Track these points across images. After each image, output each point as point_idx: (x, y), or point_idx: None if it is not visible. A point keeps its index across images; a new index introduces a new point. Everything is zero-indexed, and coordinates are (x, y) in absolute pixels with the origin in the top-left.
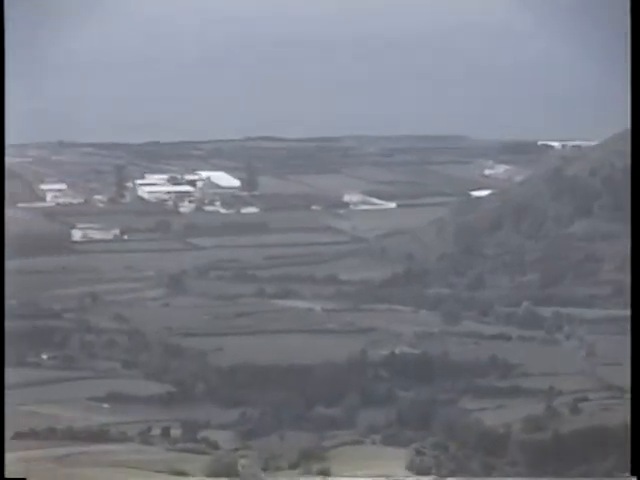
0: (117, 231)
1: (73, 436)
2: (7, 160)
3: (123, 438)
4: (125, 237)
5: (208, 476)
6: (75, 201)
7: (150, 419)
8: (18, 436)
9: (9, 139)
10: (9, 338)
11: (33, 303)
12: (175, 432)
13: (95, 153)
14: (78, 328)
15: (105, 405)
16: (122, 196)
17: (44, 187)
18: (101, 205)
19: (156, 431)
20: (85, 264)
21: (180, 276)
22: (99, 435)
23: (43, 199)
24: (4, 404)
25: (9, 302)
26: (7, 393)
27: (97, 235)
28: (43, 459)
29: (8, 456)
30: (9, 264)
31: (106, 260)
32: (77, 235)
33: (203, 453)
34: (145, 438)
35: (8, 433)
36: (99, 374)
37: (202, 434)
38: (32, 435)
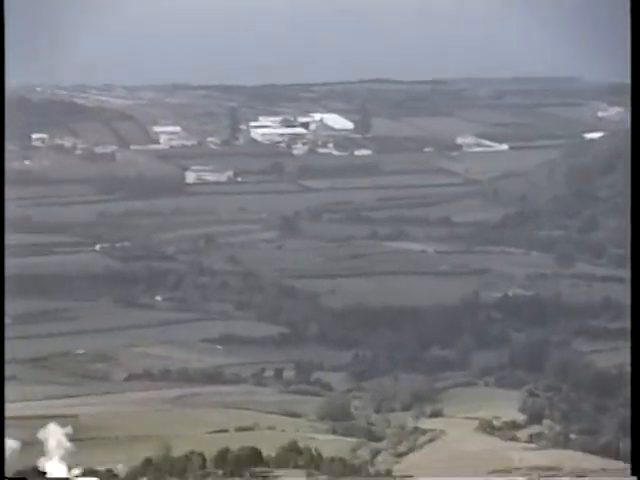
0: (231, 173)
1: (187, 377)
2: (120, 102)
3: (236, 380)
4: (239, 179)
5: (321, 418)
6: (189, 143)
7: (263, 361)
8: (132, 377)
9: (123, 81)
10: (123, 279)
11: (147, 245)
12: (288, 374)
13: (209, 95)
14: (192, 270)
15: (219, 347)
16: (236, 138)
17: (158, 129)
18: (215, 147)
19: (269, 373)
20: (199, 206)
21: (293, 218)
22: (213, 377)
23: (157, 141)
24: (4, 402)
25: (123, 244)
26: (122, 334)
27: (211, 177)
28: (157, 400)
29: (127, 395)
30: (124, 205)
31: (220, 202)
32: (191, 177)
33: (316, 395)
34: (258, 380)
35: (122, 375)
36: (212, 316)
37: (315, 376)
38: (147, 376)
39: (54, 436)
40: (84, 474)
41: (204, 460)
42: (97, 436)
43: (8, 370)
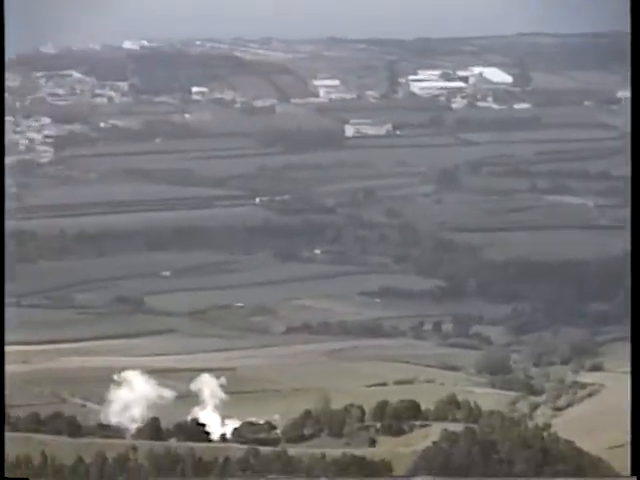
0: (390, 126)
1: (346, 330)
2: (280, 55)
3: (395, 333)
4: (397, 132)
5: (479, 371)
6: (348, 97)
7: (422, 314)
8: (291, 330)
9: (280, 35)
10: (282, 232)
11: (306, 198)
12: (447, 327)
13: (367, 49)
14: (351, 223)
15: (377, 300)
16: (395, 92)
17: (317, 83)
18: (373, 101)
19: (428, 326)
20: (358, 159)
21: (452, 171)
22: (371, 330)
23: (316, 95)
24: (4, 401)
25: (282, 197)
26: (281, 287)
27: (370, 130)
28: (316, 353)
29: (286, 348)
30: (284, 159)
31: (378, 155)
32: (350, 131)
33: (475, 348)
34: (417, 333)
35: (281, 327)
36: (371, 269)
37: (474, 329)
38: (305, 329)
39: (208, 386)
40: (242, 426)
41: (363, 413)
42: (256, 389)
43: (167, 323)
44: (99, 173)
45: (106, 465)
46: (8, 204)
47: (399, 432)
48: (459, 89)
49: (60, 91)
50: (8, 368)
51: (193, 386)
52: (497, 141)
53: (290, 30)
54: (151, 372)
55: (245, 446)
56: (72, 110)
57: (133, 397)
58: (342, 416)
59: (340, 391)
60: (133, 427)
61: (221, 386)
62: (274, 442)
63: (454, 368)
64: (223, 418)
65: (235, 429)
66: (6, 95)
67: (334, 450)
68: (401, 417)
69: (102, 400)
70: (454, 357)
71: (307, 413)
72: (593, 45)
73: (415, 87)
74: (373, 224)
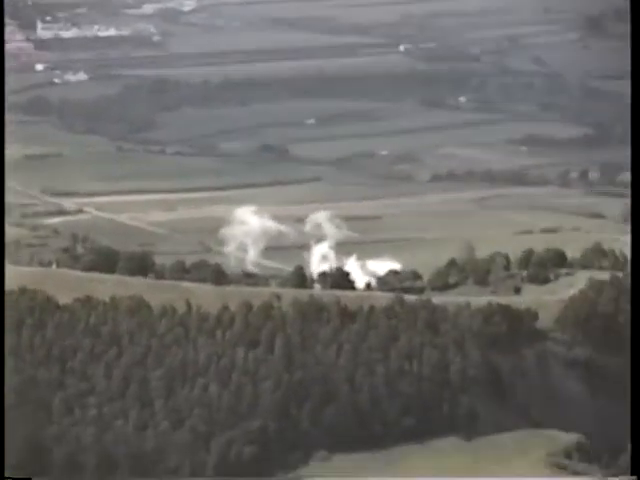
0: None
1: (491, 179)
2: None
3: (541, 181)
4: None
5: (625, 219)
6: None
7: (568, 162)
8: (436, 179)
9: None
10: (428, 80)
11: (452, 46)
12: (593, 175)
13: None
14: (496, 71)
15: (523, 148)
16: None
17: None
18: None
19: (574, 174)
20: (503, 6)
21: (599, 18)
22: (518, 178)
23: None
24: (4, 403)
25: (427, 45)
26: (425, 135)
27: None
28: (461, 201)
29: (431, 197)
30: (429, 6)
31: (524, 2)
32: None
33: (621, 196)
34: (563, 181)
35: (426, 176)
36: (517, 117)
37: (620, 177)
38: (450, 177)
39: (325, 221)
40: (387, 274)
41: (508, 261)
42: (401, 237)
43: (312, 171)
44: (243, 21)
45: (251, 313)
46: (151, 52)
47: (545, 280)
48: None
49: None
50: (153, 216)
51: (308, 221)
52: None
53: None
54: (298, 220)
55: (390, 294)
56: None
57: (266, 238)
58: (487, 264)
59: (485, 239)
60: (273, 273)
61: (336, 219)
62: (419, 291)
63: (600, 216)
64: (368, 264)
65: (379, 278)
66: None
67: (479, 298)
68: (547, 265)
69: (245, 248)
70: (600, 205)
71: (452, 262)
72: None
73: None
74: (519, 71)
